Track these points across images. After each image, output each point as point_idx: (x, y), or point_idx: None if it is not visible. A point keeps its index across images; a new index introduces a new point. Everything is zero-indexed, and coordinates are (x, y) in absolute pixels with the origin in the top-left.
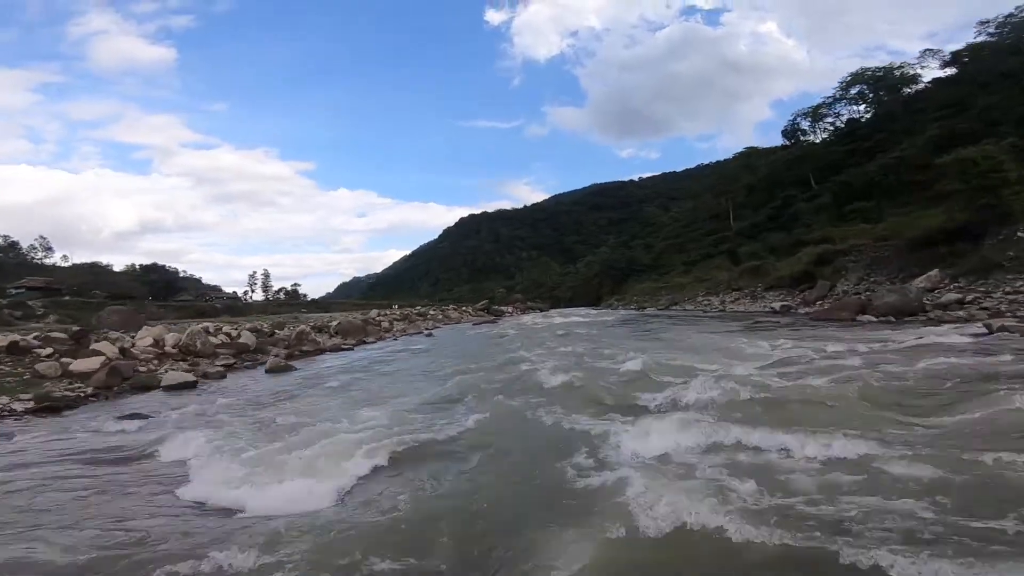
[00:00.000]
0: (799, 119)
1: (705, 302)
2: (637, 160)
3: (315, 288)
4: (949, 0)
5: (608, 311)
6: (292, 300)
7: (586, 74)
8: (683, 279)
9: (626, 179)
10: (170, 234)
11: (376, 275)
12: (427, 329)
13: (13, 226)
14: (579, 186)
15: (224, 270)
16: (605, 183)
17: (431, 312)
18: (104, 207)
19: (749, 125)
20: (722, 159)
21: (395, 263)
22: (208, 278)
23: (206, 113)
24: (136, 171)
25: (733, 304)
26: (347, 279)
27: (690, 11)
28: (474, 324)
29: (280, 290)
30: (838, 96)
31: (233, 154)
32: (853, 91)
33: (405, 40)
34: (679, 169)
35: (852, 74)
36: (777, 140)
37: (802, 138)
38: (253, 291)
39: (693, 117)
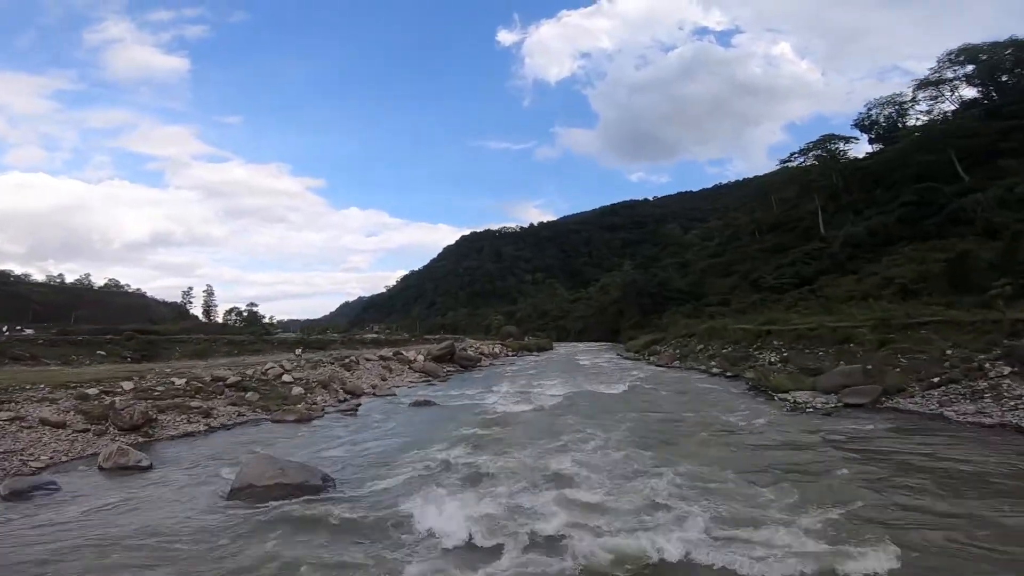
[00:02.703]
0: (875, 110)
1: None
2: (648, 184)
3: (319, 307)
4: (971, 20)
5: (658, 367)
6: (249, 325)
7: (597, 95)
8: (823, 318)
9: (640, 198)
10: (181, 247)
11: (369, 297)
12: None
13: (28, 234)
14: (589, 209)
15: (232, 286)
16: (617, 203)
17: (305, 377)
18: (116, 217)
19: (761, 149)
20: (737, 180)
21: (389, 285)
22: (217, 293)
23: (218, 125)
24: (148, 182)
25: None
26: (352, 299)
27: (703, 31)
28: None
29: (231, 311)
30: (933, 79)
31: (244, 168)
32: (958, 72)
33: (417, 59)
34: (695, 190)
35: (960, 49)
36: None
37: (882, 133)
38: (184, 315)
39: (704, 141)
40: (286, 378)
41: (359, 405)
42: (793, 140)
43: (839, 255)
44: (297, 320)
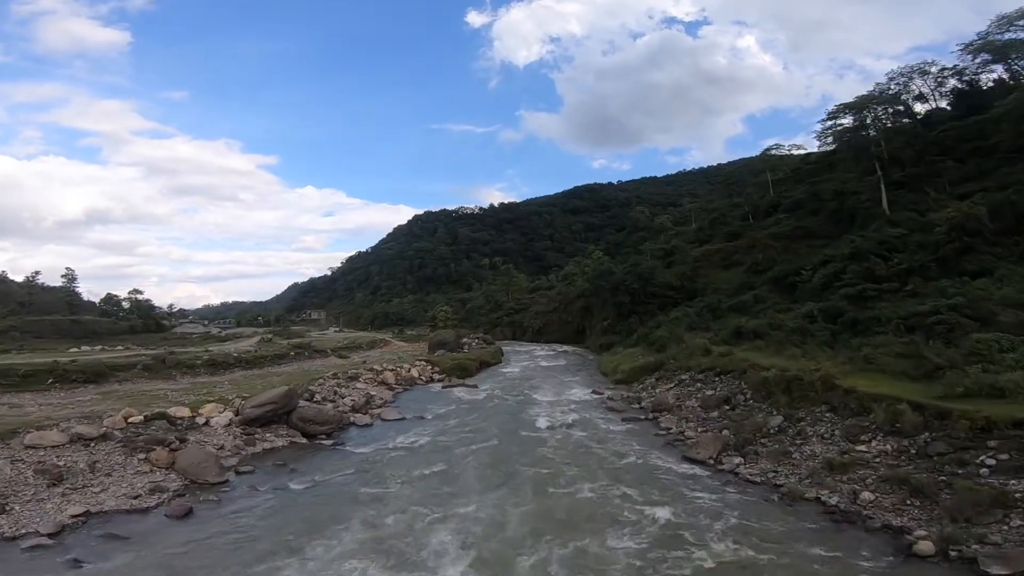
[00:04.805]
0: (897, 81)
1: None
2: (609, 171)
3: (272, 288)
4: (933, 16)
5: (696, 465)
6: (124, 318)
7: (564, 80)
8: None
9: (604, 182)
10: (121, 225)
11: (310, 281)
12: None
13: None
14: (551, 193)
15: (181, 265)
16: (581, 185)
17: None
18: (48, 194)
19: (721, 140)
20: (701, 167)
21: (334, 267)
22: (163, 272)
23: (162, 101)
24: (83, 158)
25: None
26: (304, 280)
27: (671, 21)
28: None
29: (108, 299)
30: (978, 45)
31: (190, 144)
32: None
33: (380, 37)
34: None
35: (1018, 12)
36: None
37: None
38: (28, 304)
39: (666, 130)
40: None
41: None
42: (751, 133)
43: (945, 247)
44: (242, 302)
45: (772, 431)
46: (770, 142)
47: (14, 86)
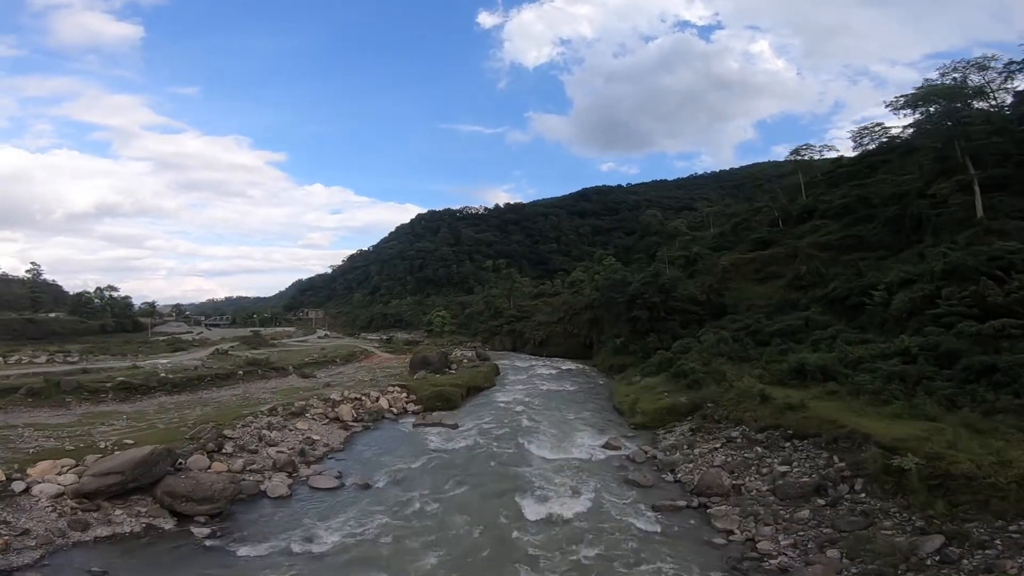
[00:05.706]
0: (951, 76)
1: None
2: (617, 175)
3: (278, 283)
4: (949, 22)
5: None
6: (92, 316)
7: (573, 82)
8: None
9: (612, 185)
10: (130, 219)
11: (308, 279)
12: None
13: None
14: (558, 195)
15: (188, 259)
16: (589, 187)
17: None
18: (57, 187)
19: (731, 145)
20: (714, 171)
21: (336, 265)
22: (171, 266)
23: (173, 96)
24: (93, 152)
25: None
26: (310, 275)
27: (684, 24)
28: None
29: (80, 296)
30: None
31: (200, 140)
32: None
33: (391, 36)
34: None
35: None
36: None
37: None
38: None
39: (675, 134)
40: None
41: None
42: (762, 138)
43: None
44: (247, 297)
45: (928, 560)
46: (782, 148)
47: (26, 79)
